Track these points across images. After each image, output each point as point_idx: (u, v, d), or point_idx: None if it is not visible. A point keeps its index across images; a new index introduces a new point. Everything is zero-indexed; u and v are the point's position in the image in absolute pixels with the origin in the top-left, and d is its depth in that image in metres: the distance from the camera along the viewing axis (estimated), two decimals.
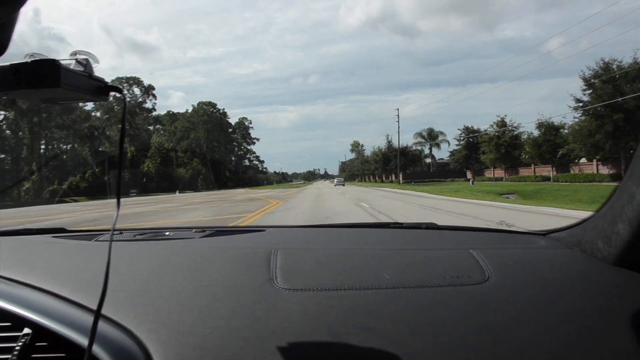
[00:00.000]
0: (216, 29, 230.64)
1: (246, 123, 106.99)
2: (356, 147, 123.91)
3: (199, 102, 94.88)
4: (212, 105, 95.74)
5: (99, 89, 0.58)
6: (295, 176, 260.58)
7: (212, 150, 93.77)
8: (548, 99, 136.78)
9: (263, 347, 0.68)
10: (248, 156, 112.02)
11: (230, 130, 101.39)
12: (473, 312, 0.77)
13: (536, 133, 42.83)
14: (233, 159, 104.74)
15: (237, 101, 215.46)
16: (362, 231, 1.44)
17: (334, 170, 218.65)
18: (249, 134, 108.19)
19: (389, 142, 73.40)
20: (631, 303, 0.79)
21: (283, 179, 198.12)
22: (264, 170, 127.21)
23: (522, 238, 1.25)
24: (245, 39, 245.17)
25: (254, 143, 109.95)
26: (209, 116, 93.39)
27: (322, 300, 0.80)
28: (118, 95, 0.61)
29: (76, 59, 0.56)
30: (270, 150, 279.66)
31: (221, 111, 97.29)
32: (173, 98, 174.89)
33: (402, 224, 1.49)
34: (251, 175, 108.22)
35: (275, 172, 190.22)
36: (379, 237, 1.33)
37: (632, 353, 0.70)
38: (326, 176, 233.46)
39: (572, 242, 1.07)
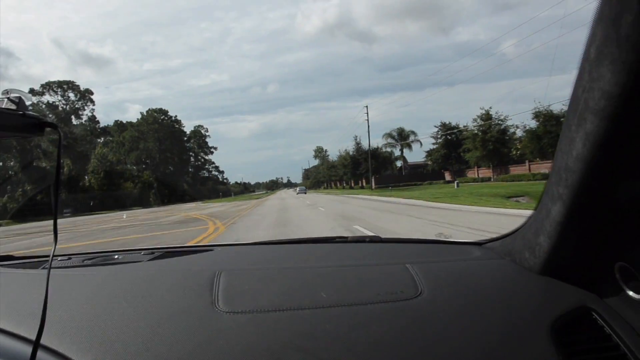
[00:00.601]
0: (172, 40, 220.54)
1: (202, 131, 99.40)
2: (319, 152, 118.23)
3: (149, 109, 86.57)
4: (164, 112, 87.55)
5: (34, 125, 0.57)
6: (258, 186, 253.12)
7: (165, 161, 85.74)
8: (505, 100, 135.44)
9: None
10: (207, 167, 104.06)
11: (185, 139, 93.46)
12: (404, 327, 0.80)
13: (532, 124, 37.47)
14: (190, 170, 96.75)
15: (197, 112, 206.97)
16: (308, 247, 1.47)
17: (297, 178, 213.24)
18: (206, 142, 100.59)
19: (358, 143, 66.61)
20: (551, 310, 0.84)
21: (245, 189, 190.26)
22: (225, 180, 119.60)
23: (459, 249, 1.28)
24: (202, 50, 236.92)
25: (211, 152, 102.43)
26: (159, 124, 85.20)
27: (261, 322, 0.81)
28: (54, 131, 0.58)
29: (8, 98, 0.55)
30: (232, 161, 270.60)
31: (173, 118, 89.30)
32: (130, 111, 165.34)
33: (346, 237, 1.51)
34: (210, 187, 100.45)
35: (237, 183, 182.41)
36: (324, 252, 1.39)
37: (550, 358, 0.74)
38: (289, 184, 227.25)
39: (504, 252, 1.11)
